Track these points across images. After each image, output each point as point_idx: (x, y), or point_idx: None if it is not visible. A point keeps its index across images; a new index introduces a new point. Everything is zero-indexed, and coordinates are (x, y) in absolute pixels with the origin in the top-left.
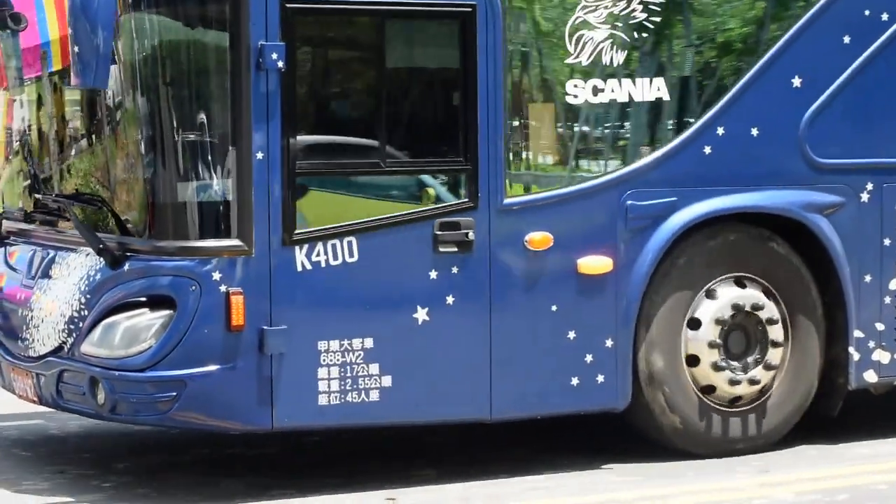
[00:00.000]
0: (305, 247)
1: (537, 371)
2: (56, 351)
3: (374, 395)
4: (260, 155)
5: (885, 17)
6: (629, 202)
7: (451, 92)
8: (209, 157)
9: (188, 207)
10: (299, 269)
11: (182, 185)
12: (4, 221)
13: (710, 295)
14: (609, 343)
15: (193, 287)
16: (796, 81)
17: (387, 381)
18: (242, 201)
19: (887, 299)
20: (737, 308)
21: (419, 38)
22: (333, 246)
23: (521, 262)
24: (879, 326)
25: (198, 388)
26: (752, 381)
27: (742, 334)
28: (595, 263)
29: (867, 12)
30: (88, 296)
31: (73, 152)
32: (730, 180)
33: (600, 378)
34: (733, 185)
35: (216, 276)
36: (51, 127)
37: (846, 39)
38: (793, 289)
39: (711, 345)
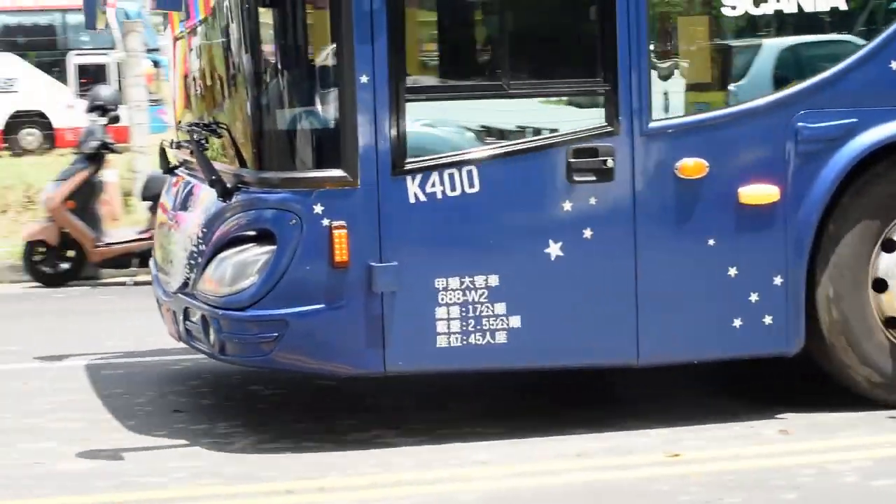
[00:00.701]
0: (419, 177)
1: (692, 312)
2: (183, 286)
3: (501, 337)
4: (364, 78)
5: None
6: (800, 124)
7: (587, 4)
8: (310, 82)
9: (288, 136)
10: (412, 200)
11: (281, 112)
12: (176, 152)
13: None
14: (778, 280)
15: (294, 221)
16: None
17: (515, 321)
18: (345, 128)
19: None
20: None
21: None
22: (451, 175)
23: (670, 192)
24: None
25: (301, 329)
26: None
27: None
28: (759, 192)
29: None
30: (205, 230)
31: (206, 86)
32: None
33: (768, 319)
34: None
35: (318, 208)
36: (193, 67)
37: None
38: None
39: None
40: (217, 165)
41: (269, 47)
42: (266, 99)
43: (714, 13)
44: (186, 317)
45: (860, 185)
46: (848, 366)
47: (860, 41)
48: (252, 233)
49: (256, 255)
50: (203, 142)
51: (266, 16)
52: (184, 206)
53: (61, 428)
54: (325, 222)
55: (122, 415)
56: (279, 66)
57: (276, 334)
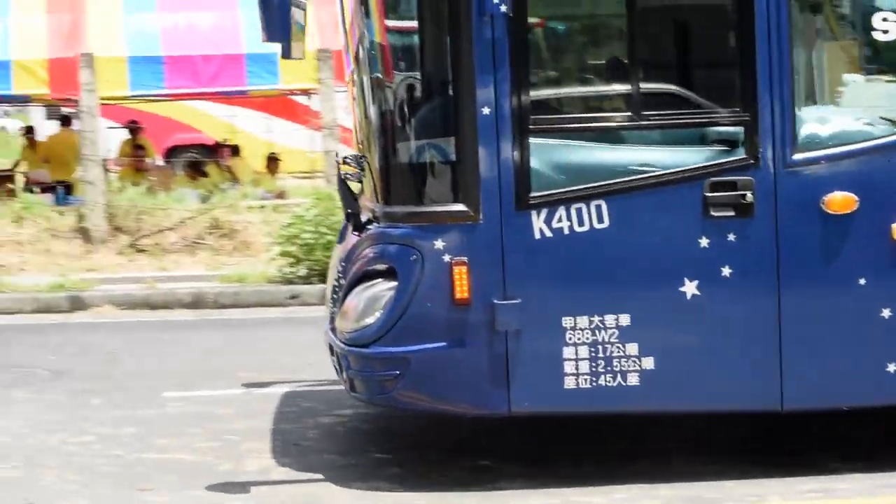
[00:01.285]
0: (544, 211)
1: (841, 356)
2: (330, 322)
3: (634, 379)
4: (486, 110)
5: None
6: None
7: (723, 28)
8: (431, 115)
9: (410, 170)
10: (537, 236)
11: (404, 145)
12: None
13: None
14: None
15: (415, 256)
16: None
17: (648, 363)
18: (466, 162)
19: None
20: None
21: None
22: (579, 210)
23: (816, 229)
24: None
25: (422, 367)
26: None
27: None
28: None
29: None
30: (344, 264)
31: (355, 122)
32: None
33: None
34: None
35: (438, 244)
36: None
37: None
38: None
39: None
40: (364, 200)
41: (394, 82)
42: (390, 132)
43: (864, 38)
44: (331, 352)
45: None
46: None
47: None
48: (380, 268)
49: (381, 291)
50: (347, 175)
51: (389, 51)
52: (340, 239)
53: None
54: (446, 258)
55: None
56: (402, 100)
57: (397, 372)
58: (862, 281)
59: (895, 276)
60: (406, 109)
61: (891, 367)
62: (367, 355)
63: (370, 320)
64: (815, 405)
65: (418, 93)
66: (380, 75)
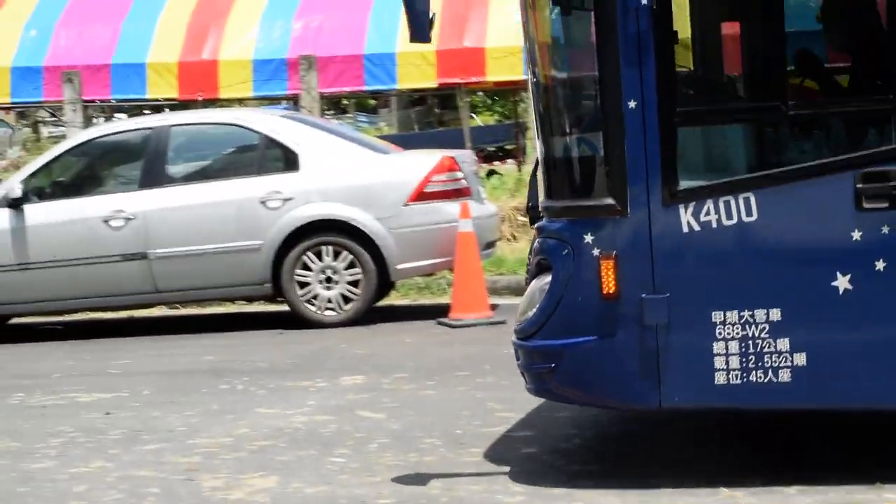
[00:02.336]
0: (692, 205)
1: None
2: None
3: (785, 376)
4: (632, 103)
5: None
6: None
7: (875, 9)
8: (581, 110)
9: (564, 165)
10: (685, 229)
11: (559, 140)
12: None
13: None
14: None
15: (566, 251)
16: None
17: (800, 359)
18: (614, 155)
19: None
20: None
21: None
22: (727, 203)
23: None
24: None
25: (574, 360)
26: None
27: None
28: None
29: None
30: (529, 258)
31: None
32: None
33: None
34: None
35: (588, 238)
36: None
37: None
38: None
39: None
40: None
41: (551, 79)
42: (548, 128)
43: None
44: None
45: None
46: None
47: None
48: (543, 262)
49: (542, 284)
50: (535, 170)
51: (547, 50)
52: None
53: None
54: (595, 252)
55: None
56: (558, 97)
57: (552, 365)
58: None
59: None
60: (560, 105)
61: None
62: (528, 348)
63: (530, 313)
64: None
65: (571, 89)
66: (539, 73)
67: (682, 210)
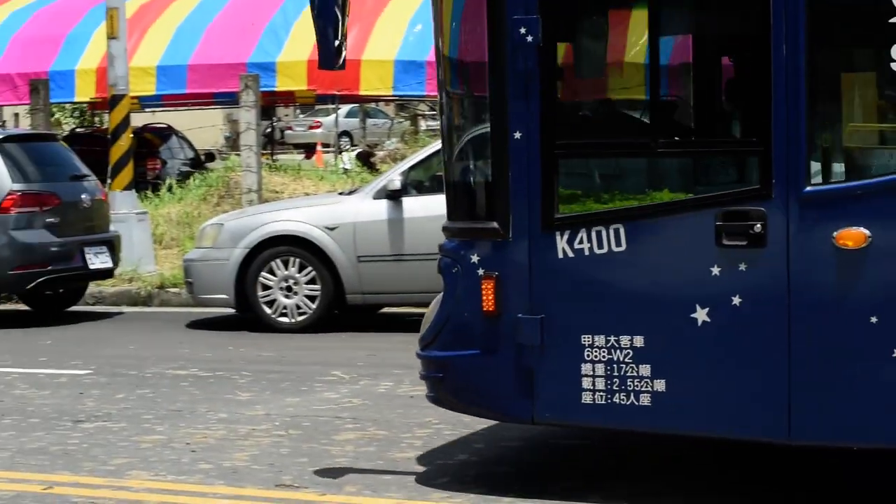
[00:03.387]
0: (567, 232)
1: (852, 393)
2: None
3: (645, 400)
4: (518, 134)
5: None
6: None
7: (739, 59)
8: (475, 138)
9: (458, 189)
10: (560, 256)
11: (454, 166)
12: None
13: None
14: None
15: (456, 269)
16: None
17: (660, 385)
18: (499, 182)
19: None
20: None
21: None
22: (599, 233)
23: (828, 263)
24: None
25: (459, 372)
26: None
27: None
28: None
29: None
30: None
31: None
32: None
33: None
34: None
35: (474, 258)
36: None
37: None
38: None
39: None
40: None
41: (449, 107)
42: (447, 153)
43: (883, 69)
44: None
45: None
46: None
47: None
48: (442, 278)
49: (439, 299)
50: None
51: (447, 78)
52: None
53: None
54: (480, 272)
55: None
56: (454, 124)
57: (441, 375)
58: (874, 319)
59: None
60: (458, 134)
61: None
62: (423, 357)
63: (427, 326)
64: (825, 441)
65: (468, 119)
66: (443, 102)
67: (558, 237)
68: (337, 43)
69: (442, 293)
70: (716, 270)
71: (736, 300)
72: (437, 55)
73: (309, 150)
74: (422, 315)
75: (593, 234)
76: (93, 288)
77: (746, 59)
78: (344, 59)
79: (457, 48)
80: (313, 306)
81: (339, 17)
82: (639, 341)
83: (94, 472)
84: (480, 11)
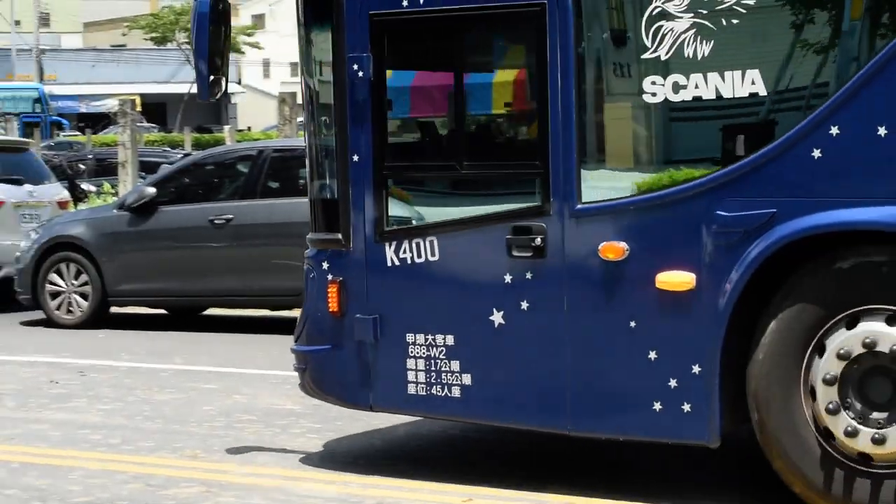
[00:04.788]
0: (394, 243)
1: (618, 390)
2: None
3: (456, 392)
4: (356, 157)
5: None
6: (718, 212)
7: (525, 93)
8: (327, 159)
9: (314, 204)
10: (389, 264)
11: (312, 183)
12: None
13: (849, 325)
14: (696, 369)
15: (313, 274)
16: None
17: (467, 378)
18: (342, 199)
19: None
20: (868, 346)
21: (493, 42)
22: (417, 244)
23: (595, 273)
24: None
25: (316, 364)
26: (878, 440)
27: (889, 382)
28: (675, 279)
29: None
30: None
31: None
32: (846, 191)
33: (686, 407)
34: (851, 196)
35: (325, 265)
36: None
37: None
38: None
39: (827, 381)
40: None
41: (309, 130)
42: (308, 174)
43: (638, 100)
44: None
45: (791, 282)
46: (782, 469)
47: (780, 128)
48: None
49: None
50: None
51: (306, 104)
52: None
53: None
54: (329, 277)
55: None
56: (311, 146)
57: (304, 367)
58: (632, 324)
59: (659, 322)
60: (314, 155)
61: (656, 406)
62: (293, 351)
63: (297, 323)
64: (598, 433)
65: (321, 143)
66: (306, 126)
67: (387, 247)
68: (212, 77)
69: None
70: (508, 278)
71: (524, 304)
72: (301, 86)
73: None
74: None
75: (414, 245)
76: None
77: (530, 94)
78: (224, 92)
79: (313, 81)
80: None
81: (214, 53)
82: (450, 340)
83: None
84: (328, 49)
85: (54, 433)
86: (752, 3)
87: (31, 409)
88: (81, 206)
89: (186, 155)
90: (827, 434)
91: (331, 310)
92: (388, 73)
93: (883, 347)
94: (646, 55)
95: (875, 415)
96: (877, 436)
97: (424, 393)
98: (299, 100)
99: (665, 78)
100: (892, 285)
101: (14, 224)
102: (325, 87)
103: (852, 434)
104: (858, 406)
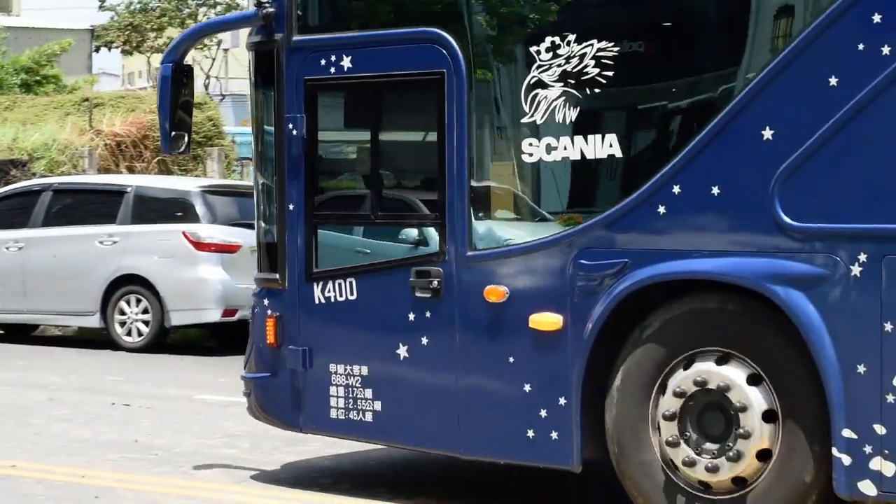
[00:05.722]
0: (320, 284)
1: (499, 418)
2: None
3: (369, 417)
4: (291, 206)
5: (886, 50)
6: (580, 261)
7: (428, 151)
8: (269, 207)
9: (260, 247)
10: (317, 301)
11: (257, 227)
12: None
13: (686, 366)
14: (562, 401)
15: (257, 309)
16: (767, 133)
17: (378, 405)
18: (280, 244)
19: (890, 397)
20: (699, 384)
21: (402, 104)
22: (339, 284)
23: (481, 313)
24: (880, 429)
25: (258, 390)
26: (711, 469)
27: (722, 416)
28: (545, 320)
29: (861, 46)
30: None
31: None
32: (685, 243)
33: (554, 435)
34: (689, 248)
35: (265, 302)
36: None
37: (832, 81)
38: (786, 374)
39: (667, 417)
40: None
41: (254, 178)
42: (255, 218)
43: (518, 160)
44: None
45: (642, 325)
46: (635, 497)
47: (631, 186)
48: None
49: None
50: None
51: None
52: None
53: None
54: (269, 312)
55: None
56: (256, 195)
57: (248, 392)
58: (511, 359)
59: (532, 358)
60: (259, 203)
61: (530, 433)
62: (241, 377)
63: (245, 353)
64: (486, 456)
65: (264, 191)
66: (254, 177)
67: (315, 287)
68: (173, 133)
69: None
70: (411, 316)
71: (424, 340)
72: (252, 142)
73: None
74: None
75: (336, 285)
76: None
77: (431, 152)
78: (186, 147)
79: (260, 138)
80: None
81: (175, 110)
82: (364, 370)
83: None
84: (271, 110)
85: None
86: (610, 74)
87: None
88: None
89: None
90: (671, 465)
91: (269, 342)
92: (318, 131)
93: (713, 385)
94: (524, 119)
95: (708, 445)
96: (709, 465)
97: (343, 417)
98: None
99: (540, 140)
100: (721, 329)
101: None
102: (268, 143)
103: (690, 464)
104: (695, 438)
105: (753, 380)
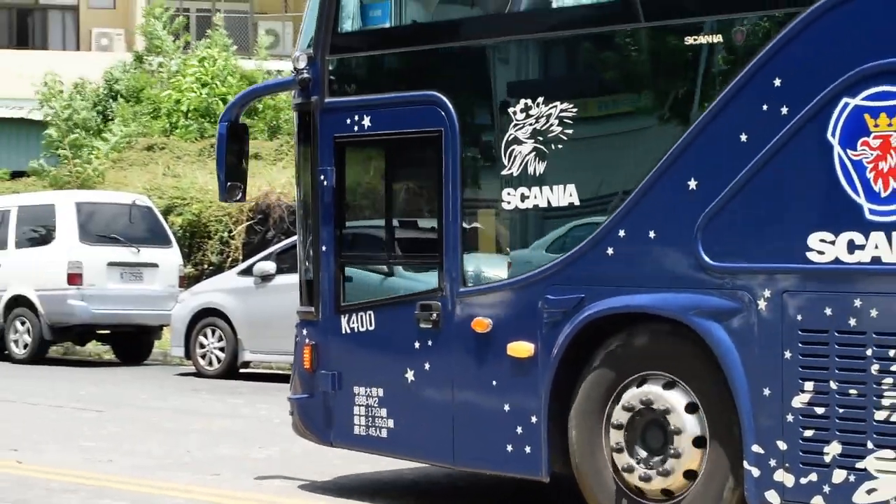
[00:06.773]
0: (347, 315)
1: (485, 433)
2: None
3: (384, 433)
4: (323, 248)
5: (784, 110)
6: (546, 296)
7: (430, 200)
8: (305, 246)
9: (300, 282)
10: (344, 331)
11: (299, 266)
12: None
13: (639, 384)
14: (534, 419)
15: (298, 338)
16: (692, 184)
17: (391, 423)
18: (315, 280)
19: (790, 417)
20: (644, 403)
21: (409, 158)
22: (361, 316)
23: (470, 342)
24: (782, 445)
25: (299, 410)
26: (644, 478)
27: (661, 433)
28: (520, 348)
29: (765, 107)
30: None
31: None
32: (630, 281)
33: (528, 449)
34: (633, 285)
35: (304, 331)
36: None
37: (743, 137)
38: (715, 396)
39: (615, 426)
40: None
41: (298, 223)
42: (298, 256)
43: (499, 207)
44: None
45: (598, 352)
46: (590, 501)
47: (587, 231)
48: None
49: None
50: None
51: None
52: None
53: None
54: (307, 341)
55: None
56: (300, 236)
57: (292, 412)
58: (494, 382)
59: (510, 382)
60: (300, 244)
61: (509, 447)
62: (288, 399)
63: (290, 377)
64: (475, 467)
65: (303, 233)
66: (297, 219)
67: (343, 319)
68: (229, 184)
69: None
70: (417, 344)
71: (427, 366)
72: (296, 191)
73: None
74: None
75: (358, 317)
76: None
77: (432, 200)
78: (242, 195)
79: (302, 187)
80: None
81: (231, 163)
82: (381, 392)
83: None
84: (309, 162)
85: None
86: (570, 132)
87: None
88: None
89: None
90: (616, 470)
91: (306, 367)
92: (345, 182)
93: (657, 406)
94: (503, 171)
95: (645, 455)
96: (643, 474)
97: (365, 433)
98: None
99: (515, 189)
100: (666, 356)
101: None
102: (306, 192)
103: (629, 470)
104: (636, 448)
105: (691, 408)
